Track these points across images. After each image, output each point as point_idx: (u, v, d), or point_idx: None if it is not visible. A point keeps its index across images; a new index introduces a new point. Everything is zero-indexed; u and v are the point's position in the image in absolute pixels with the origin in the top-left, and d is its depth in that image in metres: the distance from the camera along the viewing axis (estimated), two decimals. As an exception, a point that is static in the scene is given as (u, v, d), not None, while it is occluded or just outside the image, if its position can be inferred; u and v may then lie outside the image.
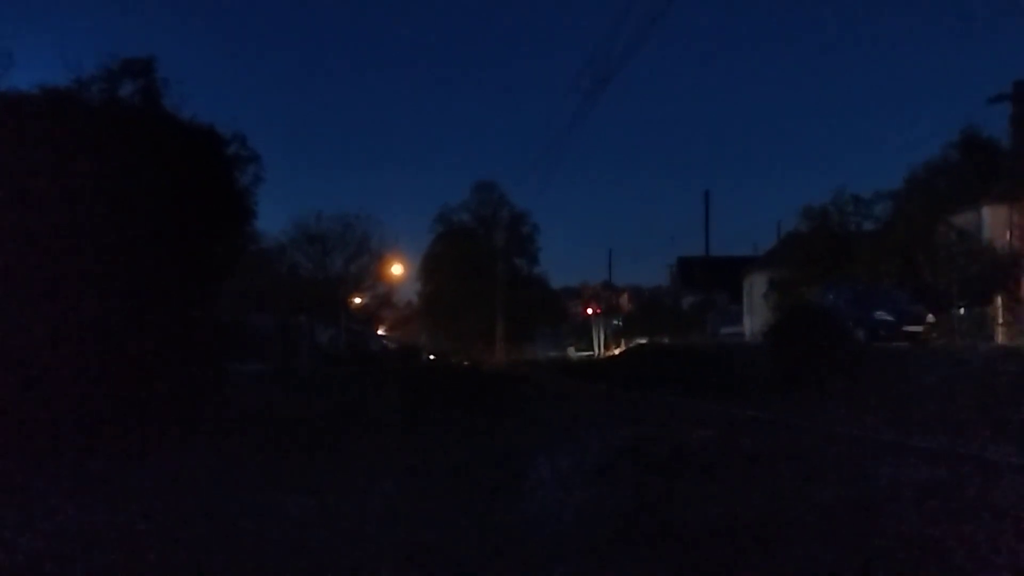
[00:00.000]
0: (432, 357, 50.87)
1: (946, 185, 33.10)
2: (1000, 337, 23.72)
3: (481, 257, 66.82)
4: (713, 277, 49.35)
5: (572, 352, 59.39)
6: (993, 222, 27.83)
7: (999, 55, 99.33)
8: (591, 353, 56.28)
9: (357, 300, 55.79)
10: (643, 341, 46.48)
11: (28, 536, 5.32)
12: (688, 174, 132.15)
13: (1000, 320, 24.48)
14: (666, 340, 45.62)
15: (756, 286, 43.64)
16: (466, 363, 43.14)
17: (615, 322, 65.53)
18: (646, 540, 5.28)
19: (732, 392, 16.90)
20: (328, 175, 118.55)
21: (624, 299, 74.98)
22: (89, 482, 7.16)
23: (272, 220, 69.74)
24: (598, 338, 60.11)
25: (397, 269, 55.04)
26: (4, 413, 8.42)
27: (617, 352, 46.41)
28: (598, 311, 63.98)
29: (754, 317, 42.75)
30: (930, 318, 22.37)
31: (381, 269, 54.54)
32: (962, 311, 25.86)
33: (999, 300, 24.79)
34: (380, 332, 61.27)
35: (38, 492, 6.70)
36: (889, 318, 21.68)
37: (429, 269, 70.33)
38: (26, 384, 8.81)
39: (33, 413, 8.56)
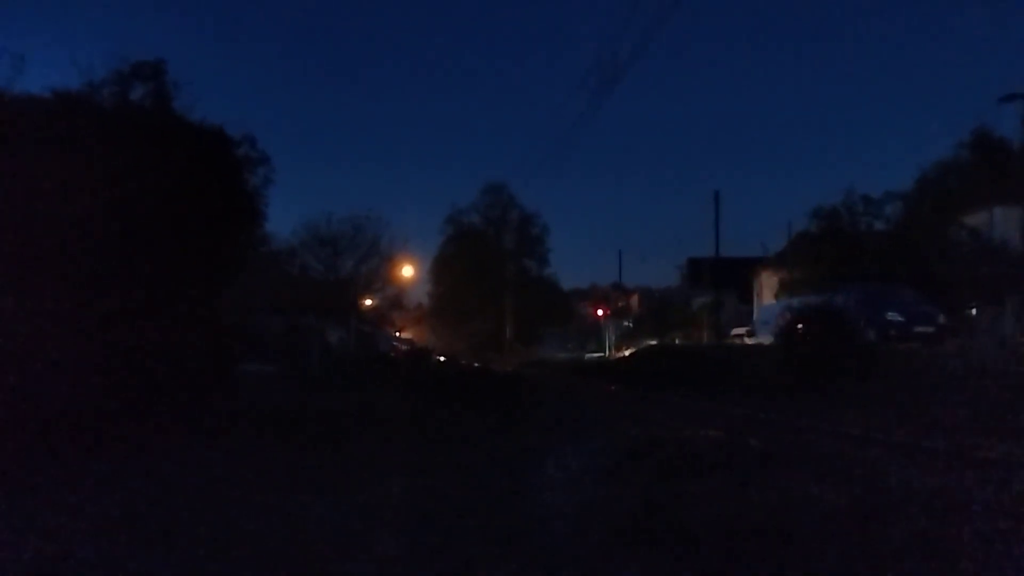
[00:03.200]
0: (442, 358, 50.89)
1: (957, 185, 32.94)
2: (1012, 337, 23.54)
3: (491, 259, 67.00)
4: (723, 277, 49.13)
5: (584, 353, 59.28)
6: (1005, 222, 27.67)
7: (1010, 54, 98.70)
8: (601, 354, 56.19)
9: (367, 302, 55.90)
10: (653, 342, 46.37)
11: (27, 535, 5.35)
12: (698, 174, 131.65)
13: (1012, 320, 24.31)
14: (677, 341, 45.51)
15: (766, 287, 43.48)
16: (476, 364, 43.12)
17: (625, 323, 65.39)
18: (655, 539, 5.26)
19: (742, 393, 16.85)
20: (338, 177, 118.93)
21: (634, 300, 74.80)
22: (92, 480, 7.19)
23: (283, 222, 69.95)
24: (608, 339, 60.01)
25: (407, 271, 55.14)
26: (10, 409, 8.46)
27: (627, 353, 46.29)
28: (608, 312, 63.88)
29: (764, 318, 42.57)
30: (942, 319, 22.23)
31: (391, 271, 54.64)
32: (974, 311, 25.70)
33: (1011, 300, 24.63)
34: (397, 333, 61.21)
35: (41, 489, 6.73)
36: (900, 319, 21.55)
37: (439, 271, 70.55)
38: (33, 381, 8.86)
39: (39, 410, 8.61)
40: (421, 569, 4.85)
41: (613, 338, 60.15)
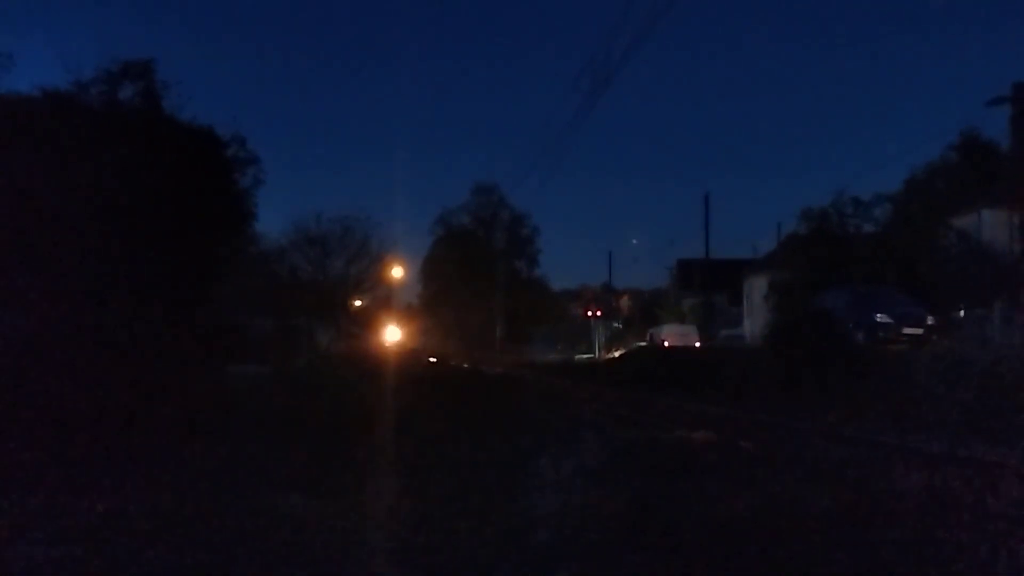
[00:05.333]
0: (433, 359, 50.83)
1: (945, 187, 33.13)
2: (1000, 339, 23.68)
3: (481, 259, 66.95)
4: (713, 279, 49.31)
5: (574, 354, 59.35)
6: (993, 224, 27.84)
7: (998, 57, 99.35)
8: (591, 355, 56.26)
9: (357, 302, 55.79)
10: (643, 343, 46.43)
11: (25, 542, 5.31)
12: (688, 176, 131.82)
13: (1000, 322, 24.46)
14: (666, 343, 45.58)
15: (756, 288, 43.61)
16: (466, 365, 43.09)
17: (615, 324, 65.48)
18: (647, 541, 5.27)
19: (733, 395, 16.89)
20: (328, 177, 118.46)
21: (624, 301, 74.92)
22: (85, 484, 7.14)
23: (272, 222, 69.68)
24: (598, 340, 60.06)
25: (397, 271, 55.03)
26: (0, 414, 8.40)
27: (617, 354, 46.38)
28: (598, 313, 63.96)
29: (754, 319, 42.76)
30: (930, 320, 22.33)
31: (381, 271, 54.53)
32: (962, 313, 25.85)
33: (999, 302, 24.78)
34: (390, 334, 61.04)
35: (35, 495, 6.69)
36: (889, 320, 21.63)
37: (429, 271, 70.57)
38: (23, 385, 8.79)
39: (29, 415, 8.54)
40: (416, 568, 4.84)
41: (603, 339, 60.19)
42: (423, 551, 5.15)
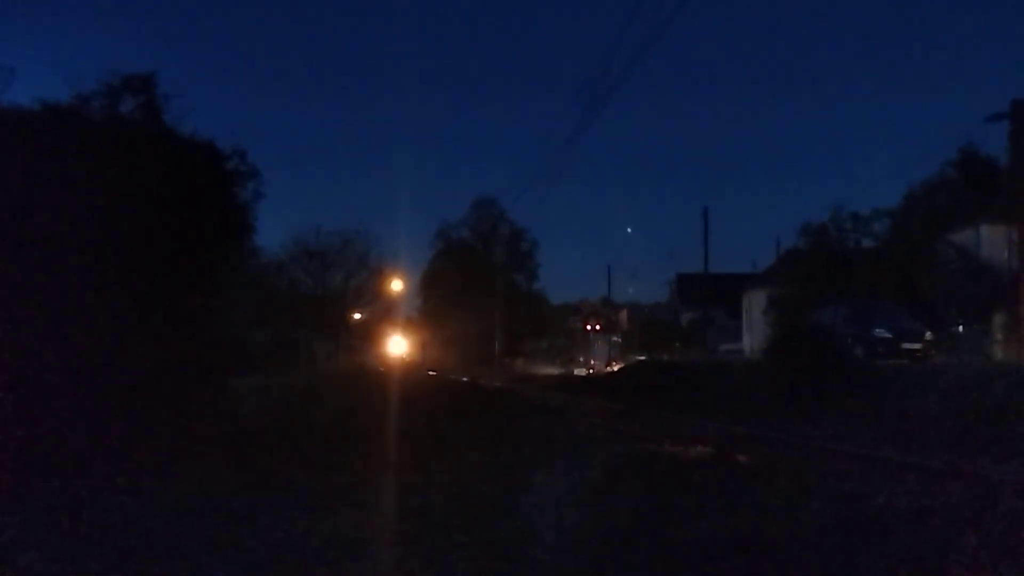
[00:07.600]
0: (432, 373, 50.76)
1: (944, 203, 33.21)
2: (999, 355, 23.73)
3: (480, 273, 66.96)
4: (712, 293, 49.35)
5: (573, 368, 59.25)
6: (991, 240, 27.91)
7: (997, 74, 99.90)
8: (590, 370, 56.22)
9: (356, 316, 55.77)
10: (642, 357, 46.42)
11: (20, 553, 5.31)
12: (687, 191, 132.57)
13: (999, 338, 24.50)
14: (665, 357, 45.56)
15: (755, 303, 43.64)
16: (465, 379, 43.05)
17: (614, 338, 65.45)
18: (644, 558, 5.26)
19: (731, 410, 16.87)
20: (328, 190, 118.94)
21: (623, 315, 74.92)
22: (82, 498, 7.14)
23: (271, 235, 69.39)
24: (597, 355, 60.00)
25: (397, 285, 55.07)
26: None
27: (616, 369, 46.32)
28: (597, 327, 63.91)
29: (753, 334, 42.74)
30: (928, 335, 22.35)
31: (381, 285, 54.57)
32: (961, 329, 25.88)
33: (997, 318, 24.83)
34: (389, 347, 60.94)
35: (32, 508, 6.67)
36: (887, 335, 21.64)
37: (429, 285, 70.57)
38: (19, 398, 8.78)
39: (25, 428, 8.53)
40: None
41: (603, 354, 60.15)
42: (422, 565, 5.14)
